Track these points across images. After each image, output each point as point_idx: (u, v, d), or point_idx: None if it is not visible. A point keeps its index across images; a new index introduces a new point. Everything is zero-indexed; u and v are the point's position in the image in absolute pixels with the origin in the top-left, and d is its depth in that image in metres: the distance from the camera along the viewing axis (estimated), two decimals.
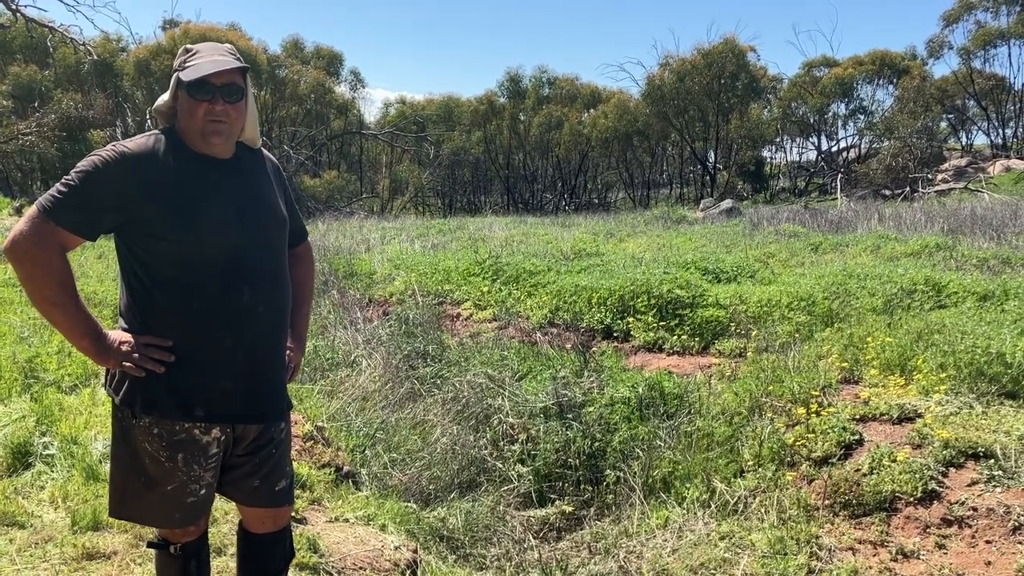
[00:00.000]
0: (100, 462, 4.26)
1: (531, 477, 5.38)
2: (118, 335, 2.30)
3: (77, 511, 3.66)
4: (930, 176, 31.48)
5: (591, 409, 5.78)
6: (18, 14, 25.28)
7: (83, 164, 2.24)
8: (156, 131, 2.39)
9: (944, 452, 4.19)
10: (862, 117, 39.84)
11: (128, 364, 2.26)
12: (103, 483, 4.02)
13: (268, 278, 2.41)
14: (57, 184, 2.24)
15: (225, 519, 3.72)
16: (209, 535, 2.79)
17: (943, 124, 41.40)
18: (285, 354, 2.57)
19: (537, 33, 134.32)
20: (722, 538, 4.04)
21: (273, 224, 2.46)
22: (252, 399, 2.41)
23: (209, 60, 2.32)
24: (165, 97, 2.39)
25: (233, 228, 2.33)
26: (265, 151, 2.59)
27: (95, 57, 31.91)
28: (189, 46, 2.41)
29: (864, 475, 4.23)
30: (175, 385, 2.29)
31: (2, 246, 2.25)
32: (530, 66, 60.61)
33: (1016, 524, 3.70)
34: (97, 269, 11.51)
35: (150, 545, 2.63)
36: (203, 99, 2.28)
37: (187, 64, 2.33)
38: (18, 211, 22.18)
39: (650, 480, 4.97)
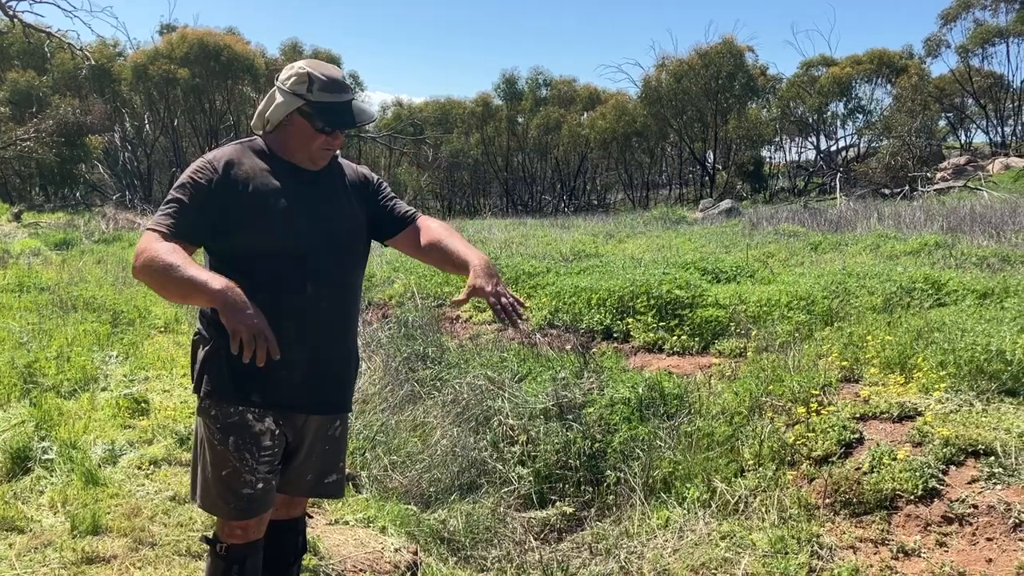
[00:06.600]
0: (99, 466, 4.26)
1: (531, 478, 5.36)
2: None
3: (76, 515, 3.66)
4: (929, 175, 31.45)
5: (591, 410, 5.77)
6: (15, 20, 25.32)
7: (180, 179, 2.42)
8: (244, 140, 2.56)
9: (944, 450, 4.19)
10: (861, 116, 39.90)
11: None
12: (102, 487, 4.02)
13: (331, 277, 2.51)
14: (163, 204, 2.41)
15: None
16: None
17: (942, 123, 41.43)
18: (350, 353, 2.64)
19: (536, 35, 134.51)
20: (723, 538, 4.03)
21: (342, 229, 2.55)
22: (308, 390, 2.51)
23: (351, 103, 2.48)
24: (270, 110, 2.47)
25: (301, 228, 2.45)
26: (354, 165, 2.72)
27: (92, 62, 32.00)
28: (311, 72, 2.45)
29: (865, 474, 4.22)
30: (236, 370, 2.39)
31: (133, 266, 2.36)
32: (526, 68, 60.50)
33: (1017, 521, 3.69)
34: (96, 274, 11.51)
35: (203, 539, 2.67)
36: (328, 133, 2.46)
37: (323, 99, 2.43)
38: (17, 217, 22.15)
39: (651, 480, 4.96)
